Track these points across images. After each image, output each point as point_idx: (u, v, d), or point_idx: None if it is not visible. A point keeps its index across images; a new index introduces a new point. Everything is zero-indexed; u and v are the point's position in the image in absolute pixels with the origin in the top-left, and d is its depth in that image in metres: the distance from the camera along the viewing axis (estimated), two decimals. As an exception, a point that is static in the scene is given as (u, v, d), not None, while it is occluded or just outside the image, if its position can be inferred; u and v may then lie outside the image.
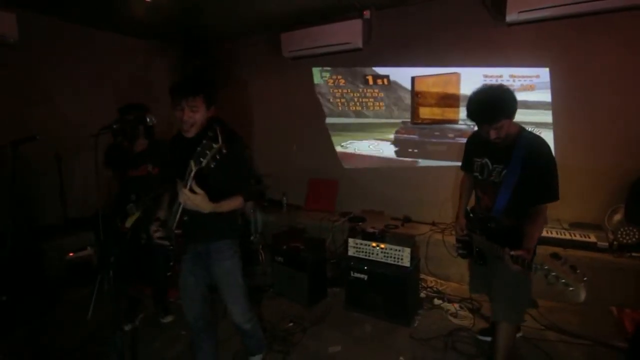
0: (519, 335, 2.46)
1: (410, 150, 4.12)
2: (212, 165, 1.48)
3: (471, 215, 2.24)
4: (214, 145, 1.45)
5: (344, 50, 4.07)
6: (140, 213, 2.53)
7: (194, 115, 1.72)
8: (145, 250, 2.55)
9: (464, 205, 2.29)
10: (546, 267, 1.53)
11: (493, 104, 1.71)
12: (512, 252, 1.68)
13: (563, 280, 1.49)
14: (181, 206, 1.66)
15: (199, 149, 1.48)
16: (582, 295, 1.47)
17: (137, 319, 2.87)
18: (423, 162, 4.07)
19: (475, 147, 2.06)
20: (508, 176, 1.80)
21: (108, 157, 2.67)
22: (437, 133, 3.94)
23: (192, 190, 1.54)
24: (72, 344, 2.59)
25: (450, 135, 3.86)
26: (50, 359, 2.35)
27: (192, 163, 1.51)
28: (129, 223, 2.58)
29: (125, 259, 2.33)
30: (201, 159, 1.47)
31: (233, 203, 1.77)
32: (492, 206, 1.91)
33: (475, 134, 2.09)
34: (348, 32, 3.96)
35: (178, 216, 1.73)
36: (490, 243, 1.90)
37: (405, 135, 4.14)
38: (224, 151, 1.47)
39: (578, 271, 1.48)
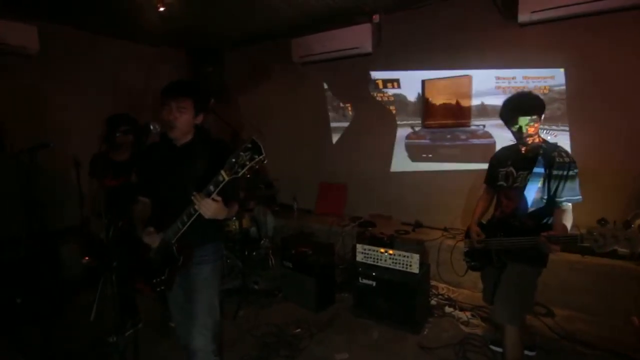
0: (531, 354, 2.37)
1: (424, 155, 4.06)
2: (248, 176, 1.41)
3: (487, 223, 2.22)
4: (256, 157, 1.38)
5: (354, 54, 4.08)
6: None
7: (180, 117, 1.64)
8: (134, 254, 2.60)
9: (477, 217, 2.29)
10: (595, 233, 1.58)
11: (533, 97, 1.93)
12: (546, 234, 1.75)
13: (618, 237, 1.53)
14: (192, 217, 1.58)
15: (233, 159, 1.41)
16: None
17: (138, 325, 2.89)
18: (435, 166, 4.01)
19: (499, 160, 2.17)
20: (532, 180, 1.91)
21: (93, 167, 2.69)
22: (448, 136, 3.87)
23: (212, 199, 1.50)
24: (81, 346, 2.64)
25: (463, 137, 3.79)
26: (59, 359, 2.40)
27: (223, 173, 1.44)
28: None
29: (125, 262, 2.34)
30: (238, 170, 1.41)
31: (235, 208, 1.75)
32: (517, 207, 1.98)
33: (498, 152, 2.24)
34: (357, 37, 3.97)
35: (185, 228, 1.62)
36: (523, 238, 1.91)
37: (417, 141, 4.08)
38: (265, 162, 1.41)
39: (632, 225, 1.52)
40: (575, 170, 1.85)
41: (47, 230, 3.42)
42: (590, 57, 3.08)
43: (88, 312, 3.08)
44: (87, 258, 3.62)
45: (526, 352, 2.28)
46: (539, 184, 1.89)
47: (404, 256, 2.73)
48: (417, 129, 4.05)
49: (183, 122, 1.66)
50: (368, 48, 3.97)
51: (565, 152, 1.90)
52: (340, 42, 4.07)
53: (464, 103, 3.70)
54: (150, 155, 1.79)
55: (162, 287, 1.71)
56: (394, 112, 4.16)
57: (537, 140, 1.96)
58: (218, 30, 4.40)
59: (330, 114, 4.63)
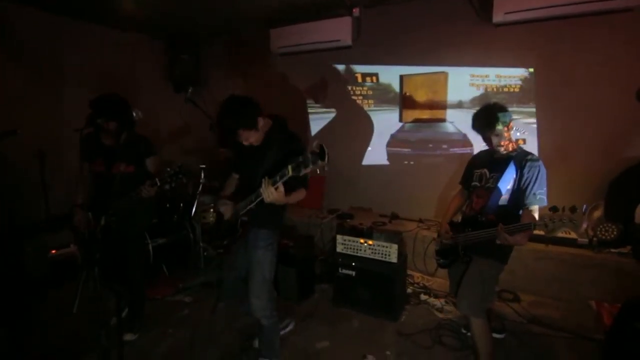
0: (499, 336, 2.53)
1: (406, 162, 4.12)
2: (308, 176, 1.66)
3: (458, 221, 2.34)
4: (319, 162, 1.55)
5: (333, 47, 4.08)
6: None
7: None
8: (119, 248, 2.52)
9: (449, 216, 2.42)
10: (545, 219, 1.75)
11: (497, 109, 2.03)
12: (505, 227, 1.88)
13: (564, 220, 1.70)
14: (258, 199, 1.86)
15: (300, 159, 1.61)
16: (584, 226, 1.68)
17: (122, 312, 2.81)
18: (411, 160, 4.11)
19: (475, 163, 2.32)
20: (502, 181, 2.05)
21: (86, 149, 2.44)
22: (430, 145, 3.95)
23: (275, 187, 1.74)
24: (56, 342, 2.54)
25: (444, 146, 3.88)
26: (34, 357, 2.29)
27: (290, 168, 1.65)
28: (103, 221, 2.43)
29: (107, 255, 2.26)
30: (302, 169, 1.60)
31: (299, 195, 1.94)
32: (484, 205, 2.12)
33: (475, 155, 2.42)
34: (337, 30, 3.97)
35: (252, 206, 1.93)
36: (484, 230, 2.04)
37: (397, 149, 4.14)
38: (327, 169, 1.58)
39: (577, 210, 1.67)
40: (543, 176, 1.99)
41: (12, 225, 3.24)
42: (557, 59, 3.25)
43: (61, 308, 2.96)
44: (53, 251, 3.46)
45: (495, 335, 2.43)
46: (509, 186, 2.05)
47: (383, 246, 2.81)
48: (396, 136, 4.10)
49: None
50: (348, 41, 3.98)
51: (536, 158, 2.04)
52: (320, 34, 4.05)
53: (440, 99, 3.81)
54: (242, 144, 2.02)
55: (221, 250, 2.25)
56: (372, 106, 4.22)
57: (510, 145, 2.08)
58: (195, 17, 4.26)
59: (309, 106, 4.62)
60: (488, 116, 2.02)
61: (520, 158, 2.04)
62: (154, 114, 4.52)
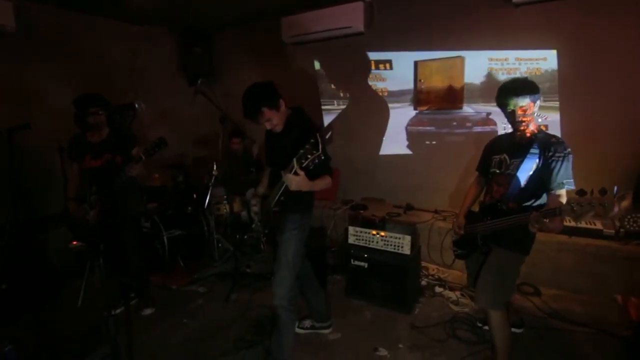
0: (518, 331, 2.43)
1: (427, 142, 3.98)
2: (311, 167, 1.70)
3: (476, 211, 2.22)
4: (315, 152, 1.65)
5: (346, 34, 3.99)
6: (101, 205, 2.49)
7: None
8: (117, 238, 2.61)
9: (466, 206, 2.29)
10: (572, 203, 1.60)
11: (526, 81, 1.94)
12: (535, 212, 1.74)
13: (593, 204, 1.55)
14: (282, 188, 1.92)
15: (301, 151, 1.69)
16: (616, 209, 1.53)
17: (131, 302, 2.89)
18: (427, 149, 4.00)
19: (492, 148, 2.16)
20: (524, 167, 1.91)
21: (72, 149, 2.66)
22: (454, 123, 3.79)
23: (295, 173, 1.78)
24: (73, 331, 2.62)
25: (468, 124, 3.72)
26: (51, 345, 2.38)
27: (294, 161, 1.72)
28: (93, 217, 2.52)
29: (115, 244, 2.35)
30: (303, 161, 1.70)
31: (324, 181, 1.97)
32: (505, 192, 1.98)
33: (492, 139, 2.25)
34: (349, 16, 3.87)
35: (277, 196, 1.99)
36: (505, 218, 1.92)
37: (420, 128, 3.99)
38: (323, 157, 1.70)
39: (607, 192, 1.54)
40: (570, 159, 1.85)
41: (32, 218, 3.35)
42: (583, 38, 3.06)
43: (78, 298, 3.06)
44: (74, 242, 3.57)
45: (514, 330, 2.33)
46: (531, 172, 1.90)
47: (396, 238, 2.75)
48: (418, 116, 3.96)
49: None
50: (360, 27, 3.88)
51: (561, 140, 1.89)
52: (332, 21, 3.96)
53: (457, 85, 3.67)
54: (268, 137, 2.17)
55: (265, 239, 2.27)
56: (386, 93, 4.11)
57: (532, 127, 1.94)
58: (206, 8, 4.24)
59: (322, 96, 4.55)
60: (515, 88, 1.88)
61: (544, 141, 1.90)
62: (167, 106, 4.57)
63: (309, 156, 1.67)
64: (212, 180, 3.65)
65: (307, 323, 2.60)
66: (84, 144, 2.60)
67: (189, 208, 3.82)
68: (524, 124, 1.91)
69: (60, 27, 3.89)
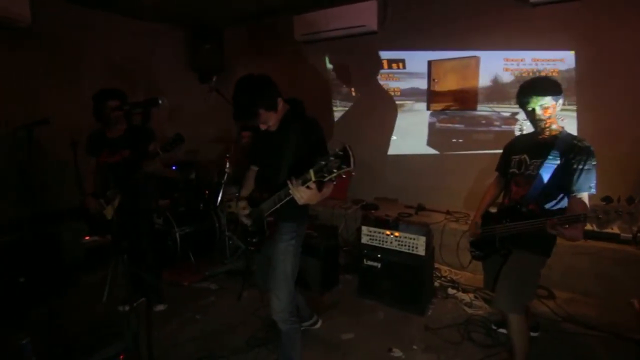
0: (534, 334, 2.40)
1: (454, 140, 3.88)
2: (334, 180, 1.45)
3: (496, 211, 2.18)
4: (344, 167, 1.39)
5: (358, 33, 3.97)
6: (119, 201, 2.50)
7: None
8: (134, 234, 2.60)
9: (484, 207, 2.26)
10: (597, 210, 1.56)
11: (548, 80, 1.91)
12: (554, 218, 1.71)
13: (619, 212, 1.51)
14: (286, 199, 1.70)
15: (322, 162, 1.43)
16: None
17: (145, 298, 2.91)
18: (439, 150, 3.97)
19: (512, 148, 2.12)
20: (545, 168, 1.87)
21: (91, 145, 2.67)
22: (467, 124, 3.75)
23: (308, 187, 1.58)
24: (87, 325, 2.64)
25: (482, 124, 3.68)
26: (67, 339, 2.39)
27: (312, 172, 1.48)
28: (109, 211, 2.53)
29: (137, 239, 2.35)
30: (325, 174, 1.44)
31: (329, 189, 1.76)
32: (525, 195, 1.94)
33: (513, 139, 2.22)
34: (363, 14, 3.85)
35: (278, 206, 1.78)
36: (524, 222, 1.88)
37: (449, 125, 3.91)
38: (353, 174, 1.43)
39: (635, 201, 1.49)
40: (594, 162, 1.80)
41: (48, 211, 3.37)
42: (601, 39, 3.02)
43: (93, 292, 3.08)
44: (87, 237, 3.59)
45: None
46: (552, 173, 1.85)
47: (411, 238, 2.73)
48: (449, 113, 3.88)
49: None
50: (373, 26, 3.86)
51: (585, 142, 1.84)
52: (345, 20, 3.94)
53: (471, 85, 3.64)
54: (260, 132, 1.92)
55: (252, 248, 2.06)
56: (398, 93, 4.09)
57: (554, 128, 1.89)
58: (217, 5, 4.23)
59: (333, 95, 4.54)
60: (537, 87, 1.84)
61: (566, 142, 1.85)
62: (177, 103, 4.57)
63: (335, 171, 1.41)
64: (225, 178, 3.65)
65: (317, 321, 2.60)
66: (102, 139, 2.62)
67: (201, 205, 3.82)
68: (545, 124, 1.88)
69: (72, 22, 3.90)
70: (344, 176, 1.41)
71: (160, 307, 2.86)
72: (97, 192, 2.61)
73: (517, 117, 3.46)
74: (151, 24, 4.67)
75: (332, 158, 1.40)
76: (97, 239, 3.54)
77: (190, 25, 4.88)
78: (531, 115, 1.90)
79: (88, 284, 3.27)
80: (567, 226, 1.67)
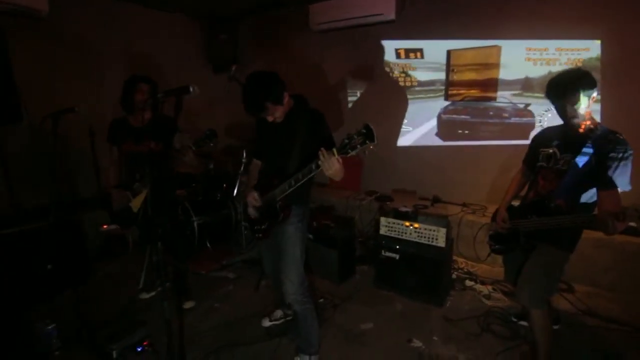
0: (554, 327, 2.39)
1: (460, 131, 3.87)
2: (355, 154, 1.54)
3: (520, 205, 2.14)
4: (367, 142, 1.49)
5: (376, 22, 3.90)
6: (147, 191, 2.46)
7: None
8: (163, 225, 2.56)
9: (509, 199, 2.21)
10: (638, 208, 1.52)
11: (581, 73, 1.78)
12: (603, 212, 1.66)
13: None
14: (311, 174, 1.75)
15: (346, 140, 1.54)
16: None
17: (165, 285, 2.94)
18: (453, 142, 3.93)
19: (541, 140, 2.06)
20: (575, 164, 1.81)
21: (113, 132, 2.60)
22: (487, 115, 3.69)
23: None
24: (112, 310, 2.71)
25: (503, 116, 3.62)
26: (92, 324, 2.44)
27: (334, 150, 1.57)
28: (136, 203, 2.51)
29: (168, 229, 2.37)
30: (349, 150, 1.53)
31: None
32: (553, 190, 1.89)
33: (542, 131, 2.16)
34: (380, 3, 3.78)
35: (295, 187, 1.84)
36: (554, 218, 1.84)
37: (454, 116, 3.89)
38: (375, 150, 1.52)
39: None
40: (631, 157, 1.72)
41: (74, 199, 3.42)
42: (631, 27, 2.93)
43: (113, 280, 3.14)
44: (105, 226, 3.64)
45: None
46: (583, 170, 1.78)
47: (431, 230, 2.73)
48: (455, 104, 3.86)
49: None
50: (391, 15, 3.78)
51: (622, 139, 1.74)
52: (362, 8, 3.87)
53: (492, 75, 3.57)
54: (264, 122, 1.99)
55: (261, 235, 2.10)
56: (415, 83, 4.03)
57: (588, 122, 1.81)
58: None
59: (349, 84, 4.49)
60: (569, 82, 1.75)
61: (601, 138, 1.76)
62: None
63: (359, 147, 1.52)
64: (242, 169, 3.65)
65: (279, 314, 2.60)
66: (126, 127, 2.57)
67: (218, 195, 3.84)
68: (575, 119, 1.79)
69: (89, 11, 3.88)
70: (366, 152, 1.53)
71: (189, 304, 2.80)
72: (122, 184, 2.58)
73: (538, 109, 3.41)
74: (167, 14, 4.64)
75: (355, 136, 1.52)
76: (114, 227, 3.60)
77: (206, 16, 4.85)
78: (563, 115, 1.81)
79: (109, 272, 3.33)
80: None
